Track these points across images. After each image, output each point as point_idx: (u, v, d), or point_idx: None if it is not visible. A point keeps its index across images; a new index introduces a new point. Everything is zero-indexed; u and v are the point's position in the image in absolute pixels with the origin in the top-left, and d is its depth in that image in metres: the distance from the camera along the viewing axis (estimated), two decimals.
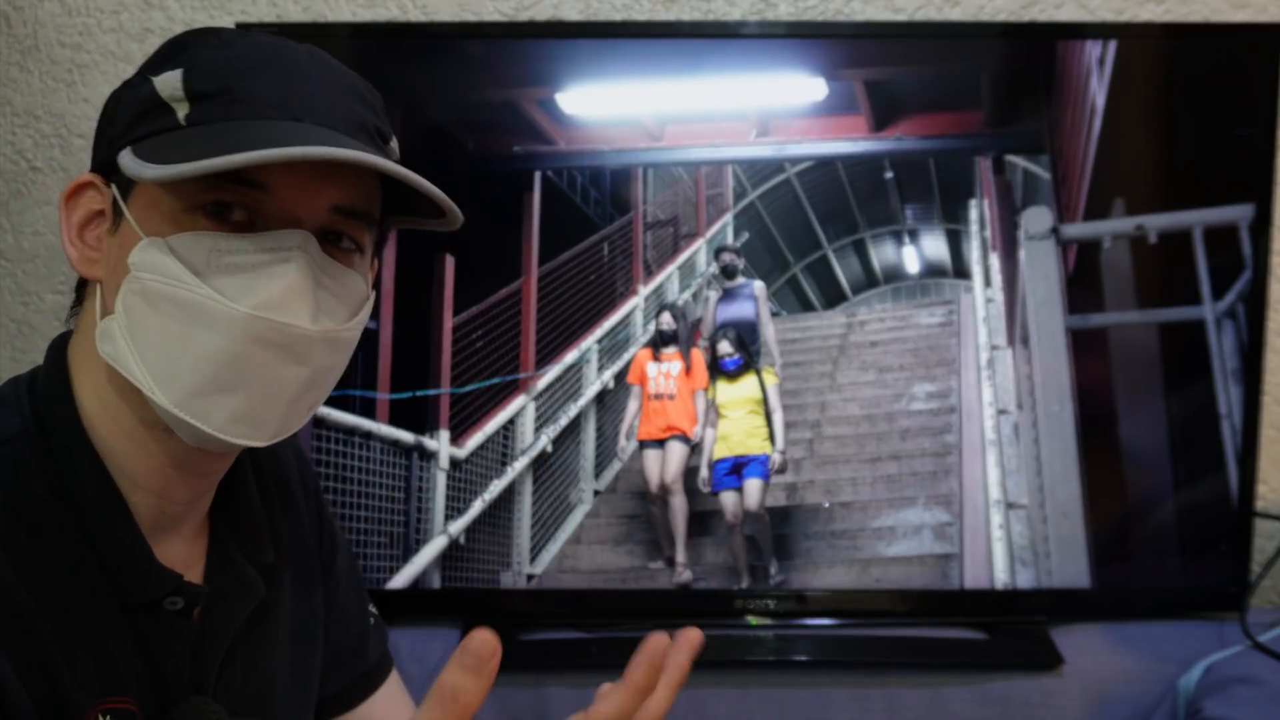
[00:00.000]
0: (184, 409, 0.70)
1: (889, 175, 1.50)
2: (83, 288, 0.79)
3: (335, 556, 0.98)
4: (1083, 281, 1.46)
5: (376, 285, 0.82)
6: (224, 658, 0.80)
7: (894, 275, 1.56)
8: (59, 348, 0.78)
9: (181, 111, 0.71)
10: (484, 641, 0.58)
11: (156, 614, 0.75)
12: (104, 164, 0.75)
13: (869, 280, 1.56)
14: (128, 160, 0.70)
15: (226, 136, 0.69)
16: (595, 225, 1.51)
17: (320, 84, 0.75)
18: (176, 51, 0.74)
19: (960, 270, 1.53)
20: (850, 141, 1.48)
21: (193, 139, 0.70)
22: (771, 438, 1.53)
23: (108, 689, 0.72)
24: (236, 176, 0.70)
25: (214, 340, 0.70)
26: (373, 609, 1.04)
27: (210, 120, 0.71)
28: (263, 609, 0.86)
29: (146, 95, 0.73)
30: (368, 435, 1.46)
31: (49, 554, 0.71)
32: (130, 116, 0.73)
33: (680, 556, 1.52)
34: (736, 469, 1.53)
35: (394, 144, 0.81)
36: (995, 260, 1.50)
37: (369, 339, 1.46)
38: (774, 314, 1.55)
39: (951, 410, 1.52)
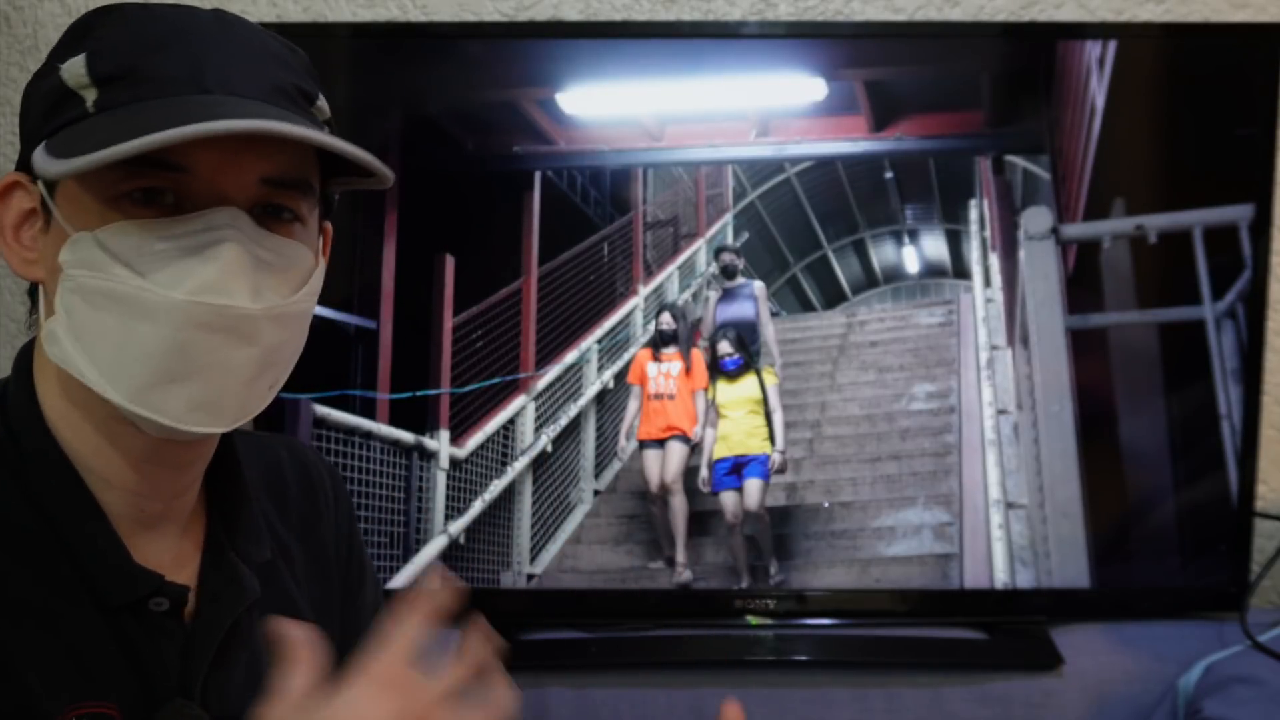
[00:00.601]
0: (138, 403, 0.69)
1: (889, 175, 1.50)
2: (36, 292, 0.76)
3: (363, 586, 0.97)
4: (1083, 281, 1.46)
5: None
6: (220, 659, 0.79)
7: (894, 275, 1.56)
8: (24, 356, 0.77)
9: (90, 98, 0.69)
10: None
11: (142, 615, 0.74)
12: (26, 162, 0.72)
13: (869, 280, 1.56)
14: (39, 157, 0.68)
15: (134, 119, 0.66)
16: (595, 225, 1.51)
17: (228, 51, 0.71)
18: (80, 35, 0.72)
19: (960, 270, 1.53)
20: (850, 141, 1.48)
21: (101, 126, 0.67)
22: (771, 438, 1.53)
23: (83, 694, 0.71)
24: (156, 160, 0.67)
25: (156, 331, 0.68)
26: None
27: (117, 104, 0.68)
28: (272, 612, 0.84)
29: (54, 85, 0.70)
30: (368, 435, 1.46)
31: (19, 562, 0.70)
32: (42, 109, 0.71)
33: (680, 556, 1.52)
34: (736, 469, 1.53)
35: (321, 102, 0.77)
36: (995, 260, 1.50)
37: (369, 339, 1.46)
38: (774, 314, 1.55)
39: (951, 410, 1.52)
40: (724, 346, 1.54)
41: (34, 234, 0.73)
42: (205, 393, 0.70)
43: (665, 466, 1.54)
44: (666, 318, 1.55)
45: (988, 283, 1.51)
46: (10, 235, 0.73)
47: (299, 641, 0.64)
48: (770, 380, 1.54)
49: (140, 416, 0.69)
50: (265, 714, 0.62)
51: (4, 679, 0.68)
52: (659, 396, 1.55)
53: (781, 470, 1.52)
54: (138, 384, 0.69)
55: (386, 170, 0.74)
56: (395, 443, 1.48)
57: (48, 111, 0.70)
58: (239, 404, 0.72)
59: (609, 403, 1.57)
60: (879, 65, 1.46)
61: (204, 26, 0.72)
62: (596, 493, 1.56)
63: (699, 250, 1.55)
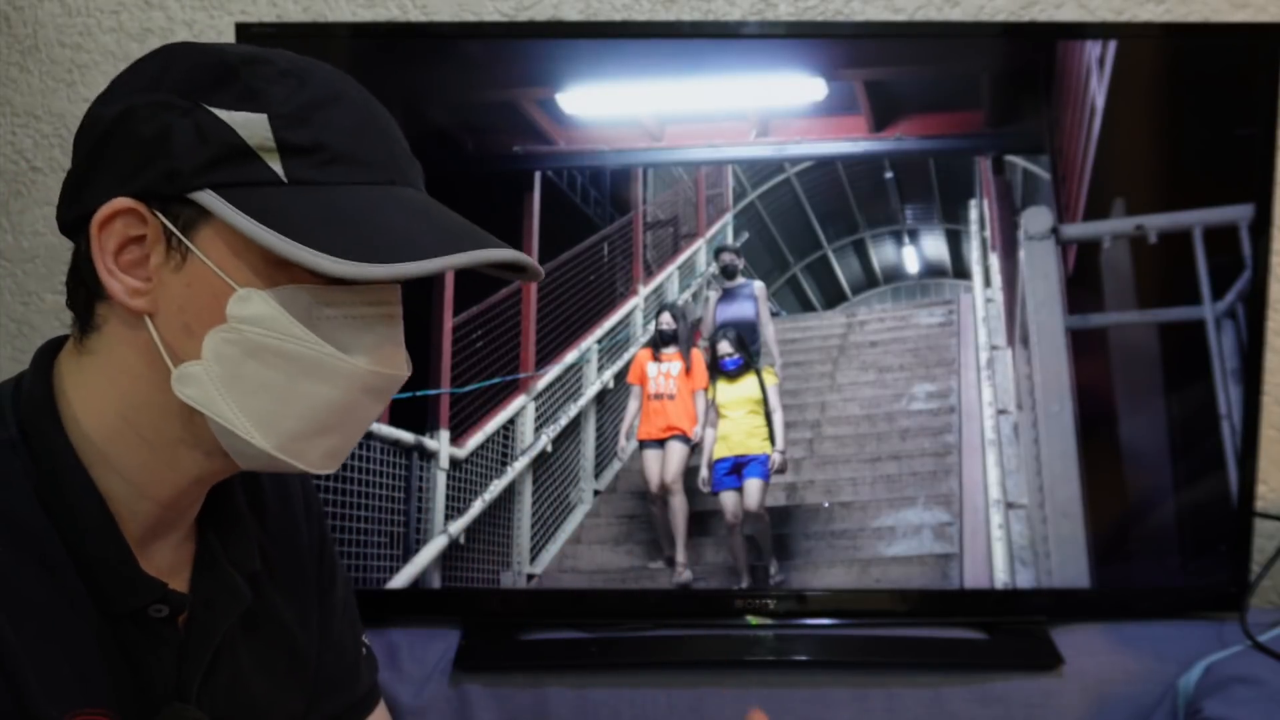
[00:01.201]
0: (284, 451, 0.72)
1: (889, 175, 1.50)
2: (75, 285, 0.76)
3: (334, 585, 0.98)
4: (1083, 281, 1.46)
5: None
6: (212, 667, 0.80)
7: (894, 275, 1.56)
8: (46, 355, 0.77)
9: (270, 162, 0.70)
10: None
11: (141, 622, 0.75)
12: (154, 192, 0.70)
13: (869, 280, 1.56)
14: (227, 209, 0.68)
15: (353, 212, 0.70)
16: (595, 225, 1.51)
17: (385, 131, 0.75)
18: (227, 79, 0.71)
19: (960, 270, 1.53)
20: (850, 141, 1.48)
21: (302, 200, 0.69)
22: (771, 438, 1.53)
23: (83, 700, 0.71)
24: None
25: (327, 392, 0.72)
26: (365, 640, 1.04)
27: (314, 182, 0.70)
28: (253, 621, 0.85)
29: (218, 134, 0.69)
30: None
31: (24, 565, 0.71)
32: (204, 153, 0.69)
33: (680, 556, 1.52)
34: (736, 469, 1.53)
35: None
36: (995, 260, 1.50)
37: None
38: (774, 314, 1.55)
39: (951, 410, 1.52)
40: (724, 346, 1.54)
41: (136, 261, 0.72)
42: (343, 443, 0.76)
43: (665, 466, 1.54)
44: (666, 318, 1.55)
45: (988, 283, 1.51)
46: (112, 260, 0.72)
47: None
48: (770, 380, 1.54)
49: (278, 461, 0.73)
50: None
51: (6, 683, 0.68)
52: (659, 396, 1.55)
53: (781, 470, 1.52)
54: (288, 435, 0.73)
55: (538, 269, 0.80)
56: (395, 443, 1.48)
57: (216, 160, 0.69)
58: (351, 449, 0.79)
59: (609, 403, 1.57)
60: (879, 65, 1.46)
61: (355, 97, 0.74)
62: (596, 493, 1.56)
63: (699, 250, 1.55)
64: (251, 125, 0.70)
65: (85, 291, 0.75)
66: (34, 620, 0.70)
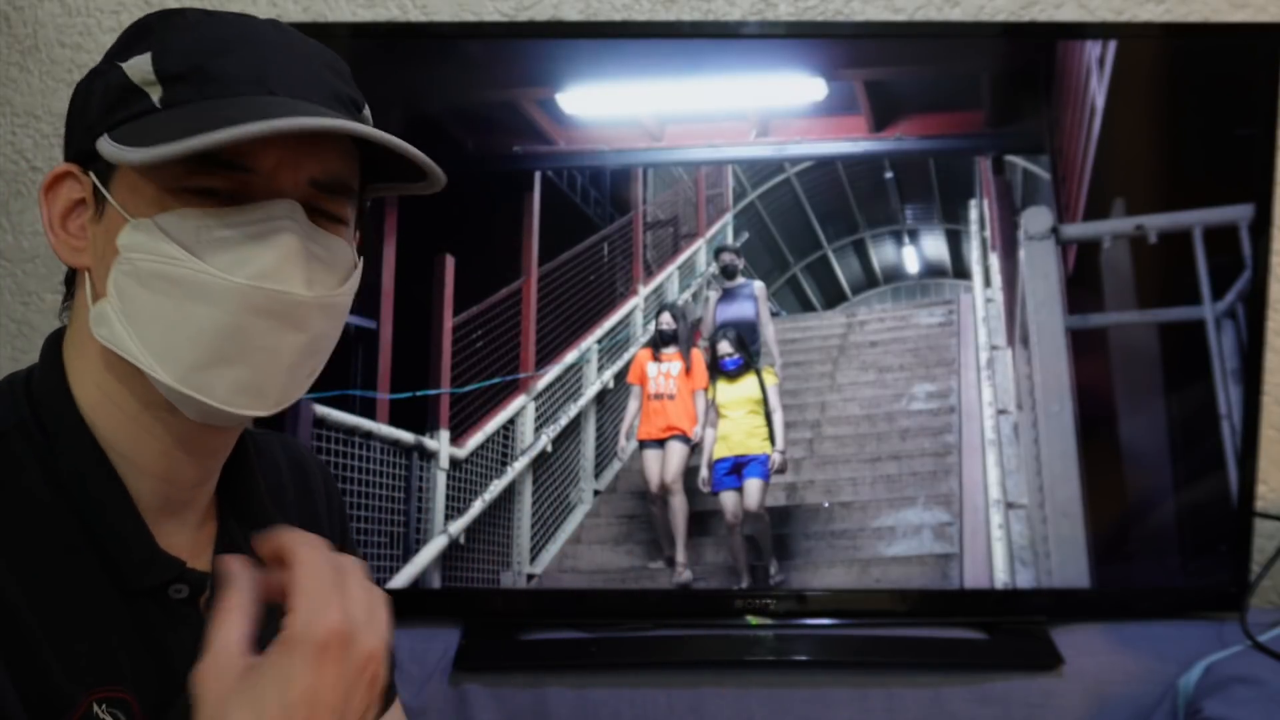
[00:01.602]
0: (186, 383, 0.71)
1: (889, 175, 1.50)
2: (72, 281, 0.79)
3: None
4: (1083, 281, 1.46)
5: (364, 256, 0.83)
6: None
7: (894, 275, 1.56)
8: (54, 343, 0.79)
9: (155, 95, 0.72)
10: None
11: (161, 602, 0.76)
12: (81, 153, 0.75)
13: (869, 280, 1.56)
14: (107, 146, 0.70)
15: (204, 115, 0.69)
16: (595, 225, 1.51)
17: (290, 56, 0.75)
18: (142, 35, 0.74)
19: (960, 270, 1.53)
20: (850, 141, 1.48)
21: (170, 120, 0.70)
22: (771, 438, 1.53)
23: (103, 679, 0.72)
24: (217, 159, 0.70)
25: (211, 313, 0.70)
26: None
27: (185, 101, 0.71)
28: (274, 609, 0.85)
29: (118, 81, 0.73)
30: (368, 435, 1.46)
31: (43, 547, 0.71)
32: (104, 103, 0.73)
33: (680, 556, 1.52)
34: (736, 469, 1.53)
35: (366, 111, 0.81)
36: (995, 260, 1.50)
37: (369, 339, 1.46)
38: (774, 314, 1.55)
39: (951, 410, 1.52)
40: (724, 346, 1.54)
41: (82, 222, 0.76)
42: (251, 376, 0.72)
43: (665, 466, 1.54)
44: (666, 318, 1.55)
45: (988, 283, 1.51)
46: (58, 224, 0.76)
47: (234, 588, 0.66)
48: (770, 380, 1.54)
49: (185, 397, 0.71)
50: (202, 676, 0.62)
51: (25, 659, 0.68)
52: (659, 396, 1.55)
53: (781, 470, 1.52)
54: (187, 365, 0.71)
55: (439, 172, 0.76)
56: (395, 443, 1.48)
57: (111, 105, 0.72)
58: (281, 389, 0.74)
59: (609, 403, 1.57)
60: (879, 65, 1.46)
61: (264, 32, 0.75)
62: (596, 493, 1.56)
63: (699, 250, 1.55)
64: (138, 64, 0.72)
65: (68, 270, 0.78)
66: (53, 600, 0.71)
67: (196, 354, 0.71)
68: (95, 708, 0.71)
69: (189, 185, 0.71)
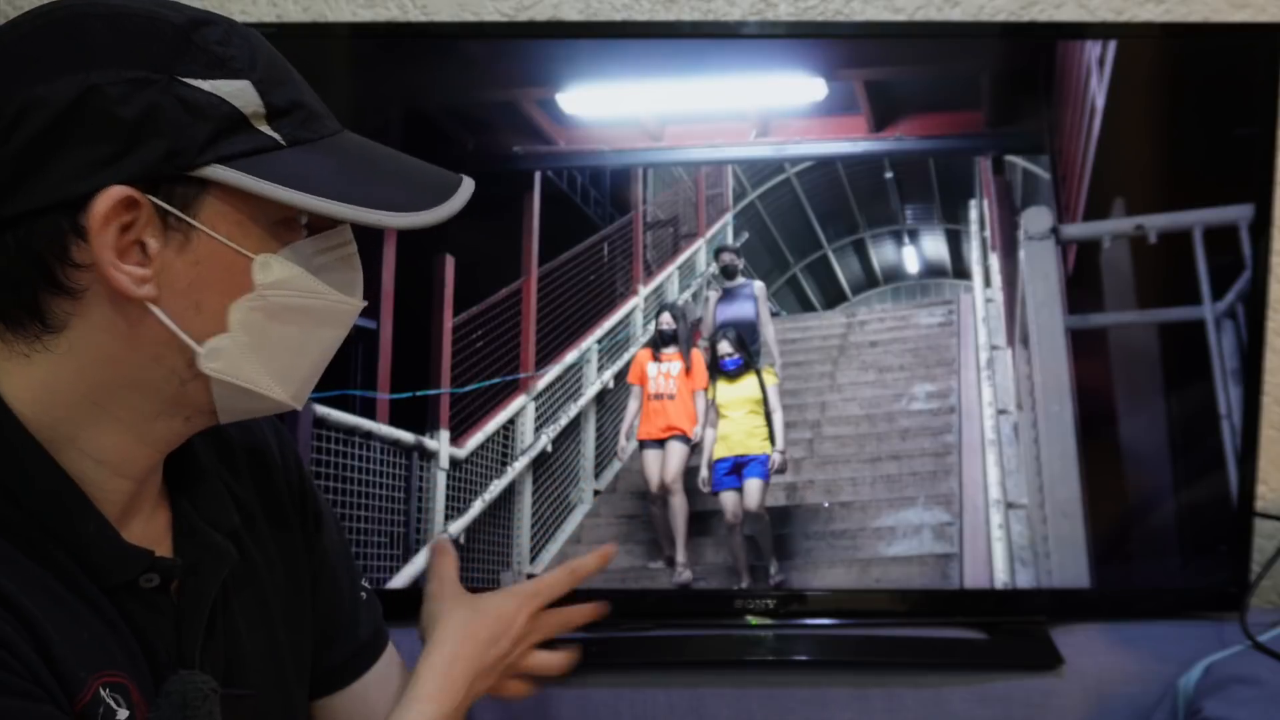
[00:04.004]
0: (296, 399, 0.78)
1: (889, 175, 1.50)
2: (28, 302, 0.70)
3: (320, 530, 0.98)
4: (1083, 281, 1.46)
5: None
6: (207, 630, 0.80)
7: (894, 275, 1.56)
8: None
9: (263, 127, 0.72)
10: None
11: (136, 593, 0.76)
12: (151, 174, 0.68)
13: (869, 280, 1.56)
14: (244, 179, 0.70)
15: (356, 161, 0.76)
16: (595, 225, 1.51)
17: (303, 81, 0.78)
18: (185, 47, 0.69)
19: (960, 270, 1.53)
20: (850, 141, 1.48)
21: (312, 162, 0.73)
22: (771, 438, 1.53)
23: (102, 664, 0.72)
24: None
25: (335, 335, 0.79)
26: (365, 584, 1.04)
27: (303, 139, 0.74)
28: (242, 579, 0.86)
29: (211, 107, 0.69)
30: (368, 435, 1.46)
31: (18, 549, 0.71)
32: (205, 130, 0.69)
33: (680, 556, 1.52)
34: (736, 469, 1.53)
35: None
36: (995, 260, 1.50)
37: (369, 339, 1.46)
38: (774, 314, 1.55)
39: (951, 410, 1.52)
40: (724, 346, 1.54)
41: (125, 247, 0.69)
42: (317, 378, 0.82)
43: (665, 466, 1.54)
44: (666, 318, 1.55)
45: (988, 283, 1.51)
46: (112, 254, 0.69)
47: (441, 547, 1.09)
48: (770, 380, 1.54)
49: (283, 407, 0.78)
50: (434, 598, 1.04)
51: (36, 647, 0.69)
52: (659, 396, 1.55)
53: (781, 470, 1.52)
54: (302, 382, 0.79)
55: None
56: (395, 443, 1.48)
57: (215, 133, 0.69)
58: None
59: (609, 403, 1.57)
60: (879, 65, 1.46)
61: (274, 49, 0.78)
62: (596, 493, 1.56)
63: (699, 250, 1.55)
64: (242, 94, 0.71)
65: (32, 291, 0.70)
66: (44, 594, 0.71)
67: (313, 371, 0.79)
68: (101, 691, 0.71)
69: (288, 215, 0.75)
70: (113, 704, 0.72)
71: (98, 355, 0.72)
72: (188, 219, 0.70)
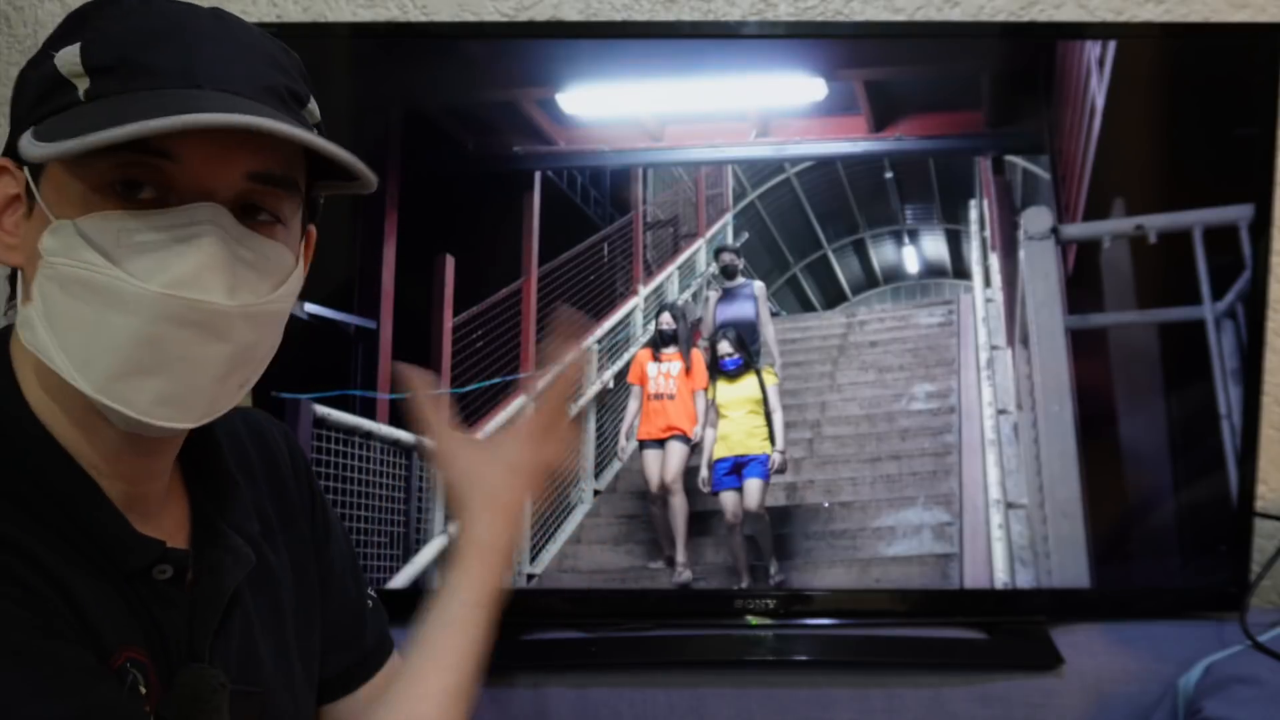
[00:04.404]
0: (105, 393, 0.69)
1: (889, 175, 1.50)
2: (16, 278, 0.76)
3: (329, 537, 0.98)
4: (1083, 281, 1.46)
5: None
6: (221, 629, 0.80)
7: (894, 275, 1.56)
8: (2, 341, 0.77)
9: (81, 87, 0.69)
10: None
11: (150, 583, 0.76)
12: (12, 147, 0.72)
13: (869, 280, 1.56)
14: (26, 142, 0.68)
15: (124, 109, 0.66)
16: (595, 225, 1.51)
17: (222, 48, 0.72)
18: (77, 25, 0.72)
19: (960, 270, 1.53)
20: (850, 141, 1.48)
21: (91, 114, 0.67)
22: (771, 438, 1.53)
23: (129, 638, 0.73)
24: (143, 148, 0.68)
25: (128, 322, 0.68)
26: (371, 593, 1.04)
27: (109, 94, 0.69)
28: (258, 583, 0.86)
29: (47, 73, 0.70)
30: (368, 435, 1.46)
31: (34, 536, 0.71)
32: (33, 96, 0.71)
33: (680, 556, 1.52)
34: (736, 469, 1.53)
35: (312, 105, 0.78)
36: (995, 260, 1.50)
37: (369, 339, 1.46)
38: (774, 314, 1.55)
39: (951, 410, 1.52)
40: (724, 346, 1.54)
41: (16, 220, 0.73)
42: (173, 387, 0.70)
43: (665, 466, 1.54)
44: (666, 318, 1.55)
45: (988, 283, 1.51)
46: None
47: (404, 372, 0.92)
48: (770, 380, 1.54)
49: (106, 407, 0.70)
50: (444, 452, 0.91)
51: (73, 611, 0.69)
52: (659, 396, 1.55)
53: (781, 470, 1.52)
54: (107, 374, 0.69)
55: (369, 174, 0.74)
56: (395, 443, 1.48)
57: (39, 98, 0.71)
58: (207, 400, 0.72)
59: (609, 403, 1.57)
60: (879, 65, 1.46)
61: (201, 23, 0.72)
62: (596, 493, 1.56)
63: (699, 250, 1.55)
64: (66, 56, 0.70)
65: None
66: (74, 571, 0.71)
67: (115, 363, 0.69)
68: (127, 664, 0.72)
69: (111, 180, 0.68)
70: (138, 676, 0.72)
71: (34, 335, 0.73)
72: (33, 186, 0.71)
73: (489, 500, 0.90)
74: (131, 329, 0.68)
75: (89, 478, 0.74)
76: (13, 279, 0.77)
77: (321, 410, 1.43)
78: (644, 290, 1.54)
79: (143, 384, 0.69)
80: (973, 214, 1.50)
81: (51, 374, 0.72)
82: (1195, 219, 1.43)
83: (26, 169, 0.71)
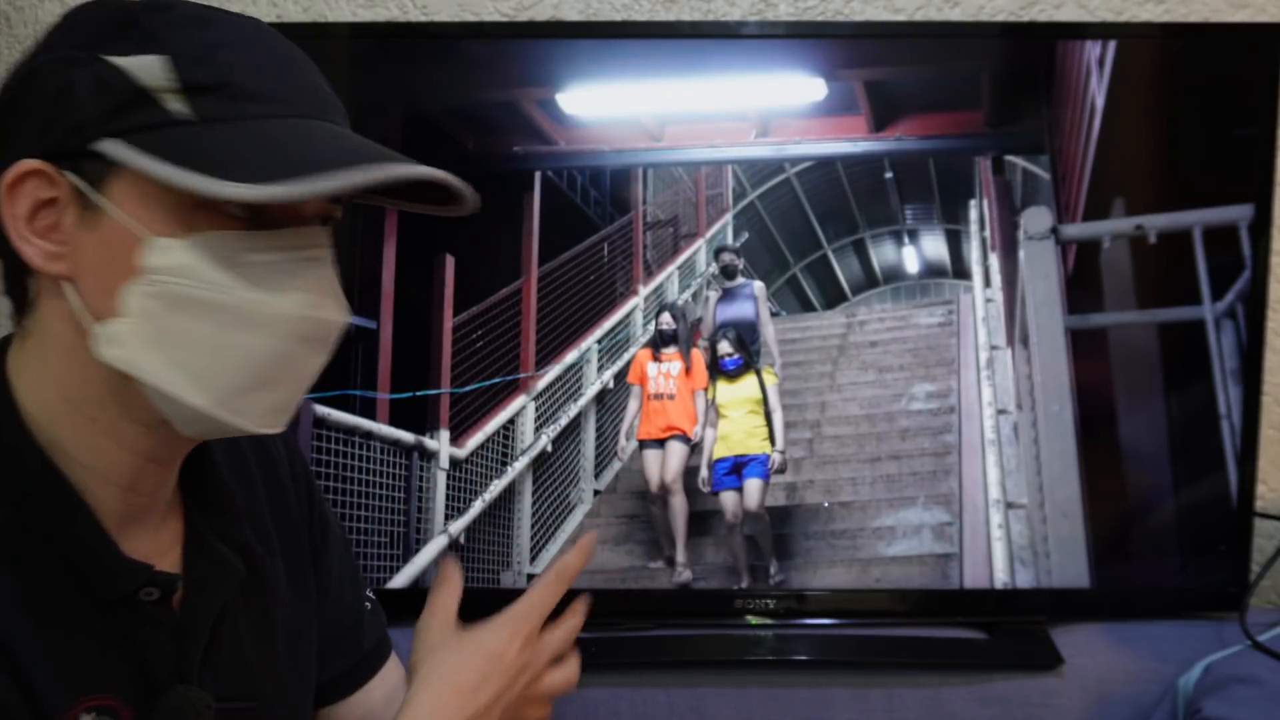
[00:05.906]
0: (224, 409, 0.70)
1: (889, 175, 1.50)
2: (13, 278, 0.73)
3: (326, 542, 0.98)
4: (1082, 281, 1.46)
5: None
6: (210, 643, 0.80)
7: (894, 275, 1.56)
8: None
9: (177, 104, 0.67)
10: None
11: (134, 606, 0.74)
12: (61, 149, 0.68)
13: (869, 280, 1.56)
14: (141, 159, 0.66)
15: (265, 140, 0.67)
16: (595, 225, 1.51)
17: (296, 68, 0.73)
18: (128, 28, 0.69)
19: (960, 270, 1.53)
20: (850, 141, 1.48)
21: (222, 140, 0.67)
22: (771, 438, 1.53)
23: (88, 687, 0.71)
24: None
25: (260, 342, 0.70)
26: (369, 595, 1.04)
27: (224, 118, 0.68)
28: (249, 594, 0.85)
29: (118, 81, 0.67)
30: (368, 435, 1.46)
31: (8, 560, 0.70)
32: (106, 103, 0.67)
33: (680, 556, 1.52)
34: (736, 469, 1.53)
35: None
36: (995, 260, 1.50)
37: (369, 339, 1.46)
38: (774, 314, 1.55)
39: (951, 410, 1.52)
40: (724, 346, 1.54)
41: (51, 225, 0.70)
42: (284, 399, 0.74)
43: (665, 466, 1.54)
44: (666, 318, 1.55)
45: (988, 283, 1.51)
46: (23, 226, 0.69)
47: (447, 567, 0.97)
48: (770, 380, 1.54)
49: (219, 421, 0.71)
50: (423, 627, 0.93)
51: (10, 677, 0.68)
52: (659, 396, 1.55)
53: (781, 470, 1.52)
54: (227, 390, 0.70)
55: (474, 199, 0.79)
56: (395, 443, 1.48)
57: (116, 107, 0.67)
58: (298, 406, 0.77)
59: (609, 403, 1.57)
60: (879, 65, 1.46)
61: (264, 38, 0.73)
62: (596, 493, 1.56)
63: (699, 250, 1.55)
64: (151, 68, 0.68)
65: (10, 267, 0.72)
66: (29, 612, 0.70)
67: (238, 380, 0.70)
68: (83, 716, 0.71)
69: (197, 202, 0.67)
70: None
71: (53, 341, 0.72)
72: (94, 194, 0.68)
73: (441, 677, 0.89)
74: (264, 348, 0.71)
75: (78, 498, 0.73)
76: (11, 290, 0.74)
77: (321, 410, 1.43)
78: (644, 290, 1.54)
79: (260, 397, 0.72)
80: (973, 214, 1.50)
81: (72, 386, 0.71)
82: (1195, 219, 1.43)
83: (76, 174, 0.69)
